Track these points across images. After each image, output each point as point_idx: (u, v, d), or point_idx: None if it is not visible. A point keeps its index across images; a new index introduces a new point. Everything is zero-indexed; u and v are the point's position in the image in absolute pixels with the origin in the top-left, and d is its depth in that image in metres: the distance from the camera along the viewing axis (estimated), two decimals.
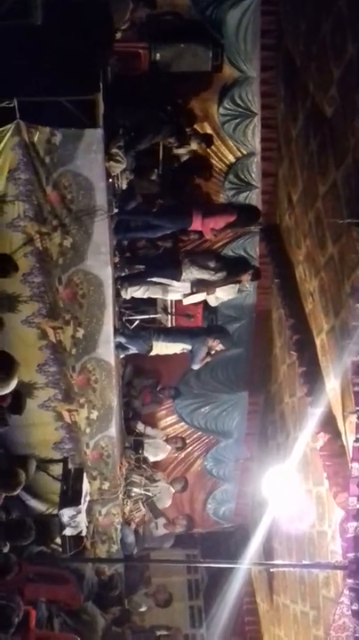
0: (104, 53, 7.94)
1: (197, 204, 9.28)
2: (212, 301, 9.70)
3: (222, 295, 9.52)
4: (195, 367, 9.51)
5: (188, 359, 9.43)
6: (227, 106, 8.76)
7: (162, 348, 9.32)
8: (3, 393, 6.47)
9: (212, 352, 9.35)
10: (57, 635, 7.64)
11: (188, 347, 9.23)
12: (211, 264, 9.24)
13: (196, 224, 9.07)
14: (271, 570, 10.09)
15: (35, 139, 7.17)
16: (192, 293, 9.39)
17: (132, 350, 9.24)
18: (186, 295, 9.38)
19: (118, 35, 8.29)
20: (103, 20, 7.88)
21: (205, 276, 9.23)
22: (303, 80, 7.26)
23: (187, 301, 9.55)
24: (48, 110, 7.12)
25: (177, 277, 9.16)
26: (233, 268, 9.32)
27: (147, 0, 8.30)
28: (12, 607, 6.30)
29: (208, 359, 9.40)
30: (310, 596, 8.07)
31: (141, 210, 9.13)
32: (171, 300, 9.92)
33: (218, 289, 9.37)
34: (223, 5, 8.23)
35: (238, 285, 9.37)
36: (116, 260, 8.87)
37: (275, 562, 9.62)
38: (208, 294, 9.39)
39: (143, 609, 10.40)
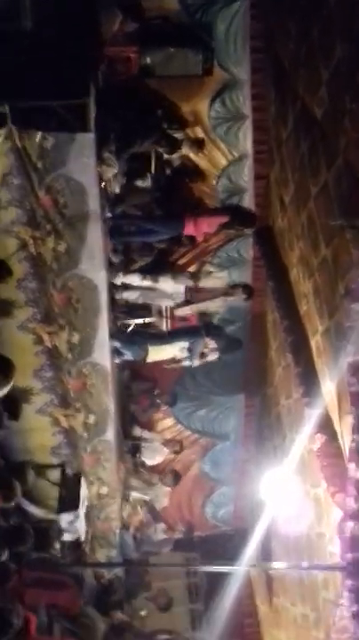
0: (94, 58, 7.96)
1: (189, 208, 9.30)
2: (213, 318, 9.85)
3: (218, 305, 9.60)
4: (196, 363, 9.51)
5: (187, 358, 9.42)
6: (218, 109, 8.73)
7: (158, 352, 9.34)
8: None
9: (206, 350, 9.38)
10: None
11: (186, 344, 9.24)
12: None
13: (189, 229, 9.12)
14: (270, 572, 10.10)
15: (27, 143, 7.18)
16: (186, 303, 9.45)
17: (128, 356, 9.24)
18: (178, 305, 9.42)
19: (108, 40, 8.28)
20: (93, 24, 7.89)
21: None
22: (293, 82, 7.25)
23: (179, 312, 9.65)
24: (40, 115, 7.14)
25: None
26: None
27: (135, 16, 8.27)
28: (10, 609, 6.30)
29: (206, 358, 9.43)
30: (310, 597, 8.05)
31: (134, 214, 9.15)
32: (166, 305, 9.94)
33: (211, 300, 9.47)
34: (212, 9, 8.20)
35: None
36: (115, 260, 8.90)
37: (274, 564, 9.65)
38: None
39: (144, 613, 10.39)
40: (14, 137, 7.09)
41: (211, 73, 8.51)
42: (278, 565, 9.48)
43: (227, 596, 9.89)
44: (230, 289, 9.40)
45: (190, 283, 9.44)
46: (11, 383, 6.46)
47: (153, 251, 9.43)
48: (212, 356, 9.75)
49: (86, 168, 7.49)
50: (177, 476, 11.04)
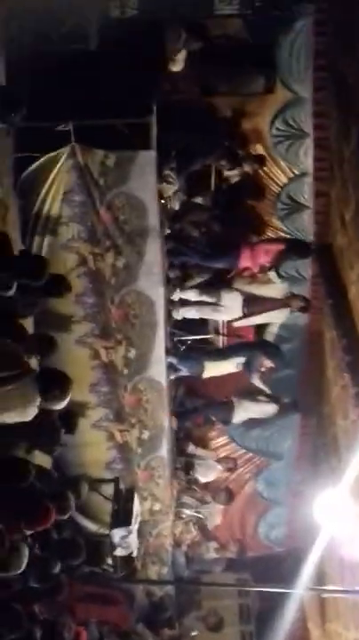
0: (157, 77, 8.03)
1: (246, 241, 9.28)
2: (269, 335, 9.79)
3: (275, 317, 9.51)
4: (255, 379, 9.44)
5: (245, 373, 9.35)
6: (280, 127, 8.69)
7: (215, 368, 9.32)
8: (57, 408, 6.53)
9: (262, 369, 9.31)
10: None
11: (242, 359, 9.21)
12: None
13: (245, 262, 9.16)
14: (323, 595, 9.92)
15: (90, 161, 7.32)
16: (243, 316, 9.41)
17: (184, 372, 9.24)
18: (236, 319, 9.40)
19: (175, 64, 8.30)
20: (157, 44, 7.97)
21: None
22: (356, 100, 7.19)
23: (238, 324, 9.60)
24: (102, 133, 7.24)
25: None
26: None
27: (198, 35, 8.28)
28: (63, 623, 6.29)
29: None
30: None
31: (191, 245, 9.24)
32: (223, 321, 9.92)
33: (268, 312, 9.39)
34: (275, 27, 8.17)
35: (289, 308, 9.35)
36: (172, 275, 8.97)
37: (328, 587, 9.44)
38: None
39: (194, 633, 10.29)
40: (77, 154, 7.25)
41: (273, 91, 8.50)
42: (332, 589, 9.27)
43: (279, 619, 9.76)
44: (287, 299, 9.30)
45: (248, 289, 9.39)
46: (68, 398, 6.50)
47: (211, 268, 9.43)
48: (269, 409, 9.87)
49: (147, 185, 7.59)
50: (230, 495, 10.94)
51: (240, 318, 9.52)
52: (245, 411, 9.90)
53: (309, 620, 11.24)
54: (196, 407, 10.41)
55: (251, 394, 10.04)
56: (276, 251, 9.10)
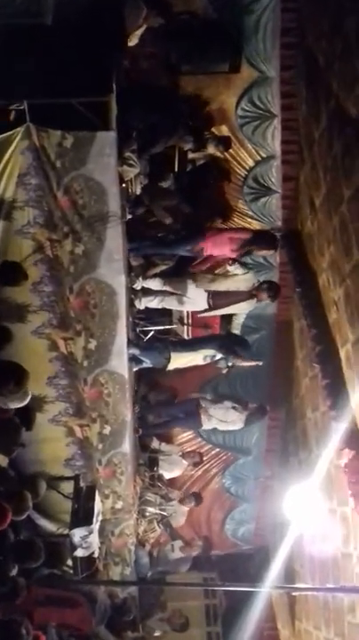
0: (117, 54, 7.74)
1: (211, 226, 9.15)
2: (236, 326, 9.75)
3: (242, 308, 9.38)
4: (240, 362, 9.32)
5: (230, 359, 9.21)
6: (246, 107, 8.55)
7: (181, 359, 9.10)
8: (19, 405, 6.30)
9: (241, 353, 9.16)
10: None
11: (211, 352, 9.02)
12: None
13: (208, 249, 9.01)
14: (293, 594, 9.82)
15: (46, 142, 7.00)
16: (209, 309, 9.24)
17: (147, 364, 9.02)
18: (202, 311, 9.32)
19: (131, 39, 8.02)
20: (116, 20, 7.67)
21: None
22: (326, 79, 7.03)
23: (203, 315, 9.47)
24: (59, 113, 6.92)
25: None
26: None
27: (160, 11, 8.03)
28: (19, 621, 6.08)
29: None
30: (334, 621, 7.74)
31: (154, 239, 9.14)
32: (187, 311, 9.76)
33: (235, 304, 9.21)
34: (241, 4, 8.00)
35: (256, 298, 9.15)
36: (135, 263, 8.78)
37: (298, 585, 9.36)
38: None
39: (157, 634, 10.16)
40: (32, 135, 6.91)
41: (239, 70, 8.35)
42: (302, 587, 9.17)
43: (247, 619, 9.64)
44: (255, 290, 9.09)
45: (212, 287, 9.15)
46: (29, 395, 6.30)
47: (174, 255, 9.25)
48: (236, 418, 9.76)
49: (107, 168, 7.28)
50: (198, 498, 10.81)
51: (206, 310, 9.33)
52: (213, 422, 9.84)
53: (278, 619, 11.20)
54: (163, 422, 10.34)
55: (218, 399, 9.96)
56: (241, 240, 8.91)
